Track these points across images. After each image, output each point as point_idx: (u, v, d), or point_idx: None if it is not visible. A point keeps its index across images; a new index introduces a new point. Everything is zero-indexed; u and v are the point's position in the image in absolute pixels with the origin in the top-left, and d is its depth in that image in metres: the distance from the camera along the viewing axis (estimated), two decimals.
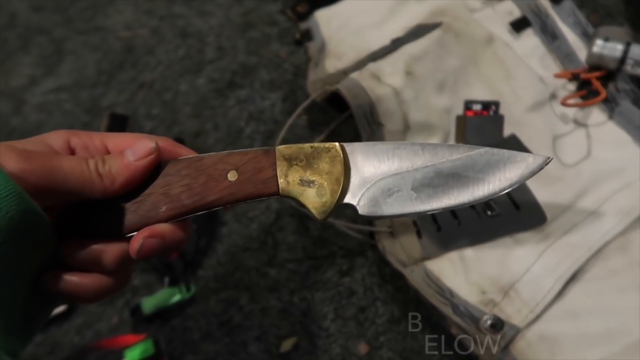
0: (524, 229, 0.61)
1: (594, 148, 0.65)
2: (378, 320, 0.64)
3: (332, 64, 0.77)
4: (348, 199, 0.37)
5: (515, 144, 0.65)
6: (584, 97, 0.67)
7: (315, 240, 0.69)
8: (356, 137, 0.67)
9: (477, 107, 0.67)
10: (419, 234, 0.62)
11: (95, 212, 0.35)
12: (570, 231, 0.60)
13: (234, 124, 0.79)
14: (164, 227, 0.35)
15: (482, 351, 0.56)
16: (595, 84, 0.66)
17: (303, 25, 0.85)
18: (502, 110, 0.67)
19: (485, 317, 0.56)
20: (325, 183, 0.36)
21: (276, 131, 0.78)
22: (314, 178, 0.36)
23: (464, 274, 0.60)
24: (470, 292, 0.59)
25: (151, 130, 0.81)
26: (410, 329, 0.63)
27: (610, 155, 0.64)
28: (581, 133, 0.67)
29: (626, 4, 0.77)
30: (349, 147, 0.37)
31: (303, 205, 0.36)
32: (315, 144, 0.36)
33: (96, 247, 0.34)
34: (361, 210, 0.37)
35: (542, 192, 0.62)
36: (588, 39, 0.72)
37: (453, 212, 0.62)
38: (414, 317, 0.63)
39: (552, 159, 0.38)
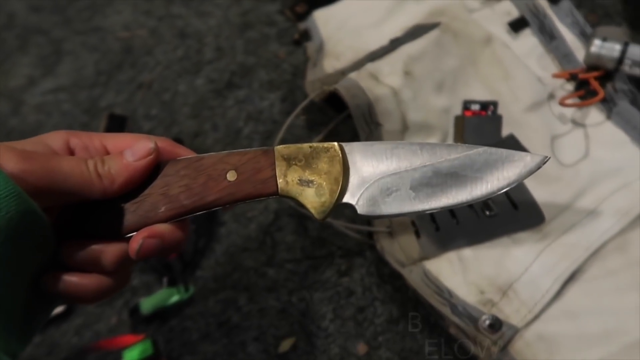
0: (522, 229, 0.61)
1: (592, 148, 0.65)
2: (377, 320, 0.64)
3: (330, 64, 0.77)
4: (347, 198, 0.37)
5: (513, 144, 0.65)
6: (582, 97, 0.67)
7: (313, 241, 0.69)
8: (354, 137, 0.67)
9: (475, 107, 0.67)
10: (417, 234, 0.62)
11: (95, 212, 0.35)
12: (569, 231, 0.60)
13: (232, 124, 0.79)
14: (163, 228, 0.35)
15: (480, 351, 0.56)
16: (593, 84, 0.66)
17: (301, 26, 0.85)
18: (501, 110, 0.67)
19: (483, 317, 0.56)
20: (324, 183, 0.36)
21: (275, 131, 0.78)
22: (313, 178, 0.36)
23: (463, 274, 0.60)
24: (469, 292, 0.59)
25: (150, 131, 0.81)
26: (409, 329, 0.63)
27: (609, 155, 0.64)
28: (579, 133, 0.67)
29: (624, 4, 0.77)
30: (348, 146, 0.37)
31: (302, 205, 0.36)
32: (314, 144, 0.37)
33: (96, 247, 0.34)
34: (360, 209, 0.37)
35: (540, 192, 0.62)
36: (586, 39, 0.72)
37: (451, 212, 0.62)
38: (413, 317, 0.63)
39: (549, 158, 0.38)
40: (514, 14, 0.75)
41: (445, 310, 0.57)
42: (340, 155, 0.36)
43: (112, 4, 0.95)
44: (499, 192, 0.37)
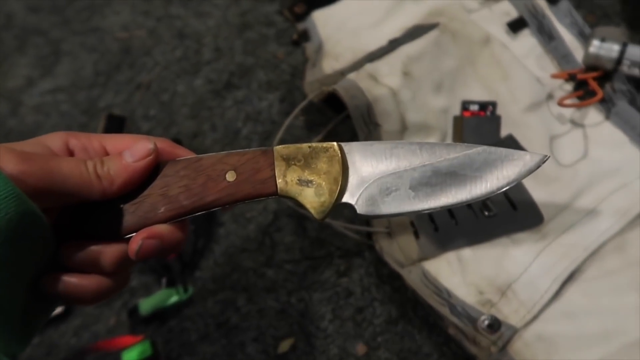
0: (521, 229, 0.61)
1: (590, 148, 0.65)
2: (376, 320, 0.64)
3: (329, 65, 0.77)
4: (346, 198, 0.37)
5: (512, 145, 0.65)
6: (580, 98, 0.67)
7: (312, 241, 0.69)
8: (353, 138, 0.67)
9: (474, 108, 0.67)
10: (416, 234, 0.62)
11: (94, 213, 0.35)
12: (568, 231, 0.60)
13: (231, 125, 0.79)
14: (162, 228, 0.35)
15: (479, 352, 0.56)
16: (591, 85, 0.66)
17: (300, 26, 0.85)
18: (499, 111, 0.67)
19: (482, 318, 0.56)
20: (324, 183, 0.36)
21: (274, 132, 0.78)
22: (312, 178, 0.36)
23: (462, 275, 0.60)
24: (468, 292, 0.59)
25: (148, 131, 0.81)
26: (407, 330, 0.63)
27: (607, 156, 0.64)
28: (578, 133, 0.67)
29: (623, 5, 0.77)
30: (347, 146, 0.37)
31: (301, 205, 0.36)
32: (313, 144, 0.37)
33: (95, 248, 0.34)
34: (359, 209, 0.37)
35: (539, 192, 0.62)
36: (585, 39, 0.72)
37: (450, 213, 0.62)
38: (412, 318, 0.63)
39: (549, 157, 0.38)
40: (513, 14, 0.75)
41: (444, 311, 0.58)
42: (340, 155, 0.36)
43: (110, 4, 0.95)
44: (499, 191, 0.37)
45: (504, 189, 0.37)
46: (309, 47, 0.82)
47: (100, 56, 0.90)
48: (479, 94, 0.70)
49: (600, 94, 0.65)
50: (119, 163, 0.34)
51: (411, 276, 0.60)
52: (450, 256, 0.61)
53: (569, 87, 0.70)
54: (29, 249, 0.31)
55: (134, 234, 0.35)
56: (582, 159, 0.65)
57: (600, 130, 0.66)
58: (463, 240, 0.61)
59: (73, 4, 0.96)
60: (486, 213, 0.61)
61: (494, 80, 0.70)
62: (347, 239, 0.68)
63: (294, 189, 0.36)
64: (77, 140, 0.36)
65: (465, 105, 0.68)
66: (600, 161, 0.64)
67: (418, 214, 0.63)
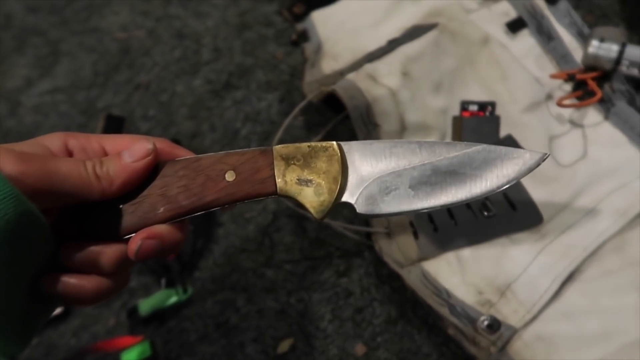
0: (520, 229, 0.61)
1: (589, 148, 0.65)
2: (375, 321, 0.64)
3: (328, 65, 0.77)
4: (346, 197, 0.37)
5: (511, 145, 0.65)
6: (579, 98, 0.67)
7: (312, 241, 0.69)
8: (352, 138, 0.67)
9: (473, 108, 0.67)
10: (415, 235, 0.62)
11: (93, 213, 0.35)
12: (567, 231, 0.60)
13: (230, 125, 0.79)
14: (162, 228, 0.35)
15: (479, 352, 0.56)
16: (590, 85, 0.66)
17: (299, 26, 0.85)
18: (498, 111, 0.67)
19: (482, 318, 0.56)
20: (323, 182, 0.36)
21: (273, 132, 0.78)
22: (312, 177, 0.36)
23: (461, 275, 0.60)
24: (467, 292, 0.59)
25: (147, 132, 0.81)
26: (407, 330, 0.63)
27: (606, 156, 0.64)
28: (577, 133, 0.67)
29: (621, 5, 0.77)
30: (346, 145, 0.37)
31: (301, 205, 0.36)
32: (313, 143, 0.37)
33: (94, 248, 0.34)
34: (359, 208, 0.37)
35: (538, 192, 0.62)
36: (584, 39, 0.72)
37: (450, 213, 0.62)
38: (411, 318, 0.63)
39: (549, 155, 0.38)
40: (512, 14, 0.75)
41: (444, 311, 0.58)
42: (339, 154, 0.36)
43: (109, 4, 0.95)
44: (499, 190, 0.37)
45: (504, 188, 0.37)
46: (308, 47, 0.82)
47: (99, 56, 0.90)
48: (478, 94, 0.70)
49: (599, 94, 0.65)
50: (118, 163, 0.34)
51: (410, 276, 0.60)
52: (450, 256, 0.61)
53: (568, 87, 0.70)
54: (28, 249, 0.31)
55: (133, 234, 0.34)
56: (581, 159, 0.65)
57: (599, 131, 0.66)
58: (462, 240, 0.61)
59: (72, 4, 0.96)
60: (485, 213, 0.62)
61: (493, 81, 0.70)
62: (347, 239, 0.68)
63: (293, 189, 0.36)
64: (76, 141, 0.36)
65: (464, 105, 0.68)
66: (599, 161, 0.64)
67: (417, 214, 0.63)
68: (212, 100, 0.82)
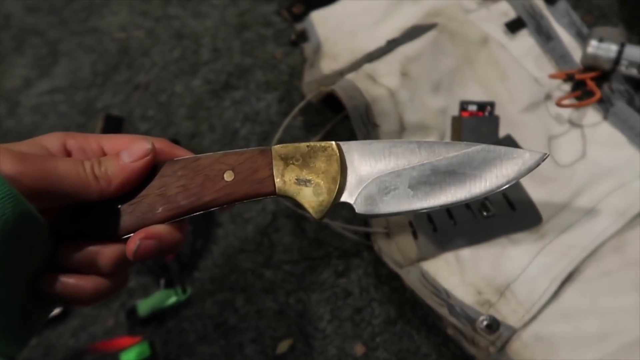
0: (519, 230, 0.61)
1: (588, 148, 0.66)
2: (374, 321, 0.64)
3: (327, 65, 0.77)
4: (345, 197, 0.37)
5: (510, 145, 0.65)
6: (578, 98, 0.67)
7: (311, 242, 0.69)
8: (352, 138, 0.67)
9: (472, 108, 0.67)
10: (415, 235, 0.62)
11: (92, 214, 0.35)
12: (566, 231, 0.60)
13: (229, 126, 0.79)
14: (160, 228, 0.35)
15: (478, 352, 0.56)
16: (589, 85, 0.66)
17: (298, 26, 0.85)
18: (498, 111, 0.67)
19: (481, 318, 0.56)
20: (322, 182, 0.36)
21: (272, 132, 0.78)
22: (311, 177, 0.36)
23: (460, 275, 0.60)
24: (466, 292, 0.59)
25: (146, 132, 0.81)
26: (406, 330, 0.63)
27: (605, 156, 0.64)
28: (576, 133, 0.67)
29: (620, 5, 0.77)
30: (345, 145, 0.37)
31: (300, 205, 0.36)
32: (312, 143, 0.37)
33: (92, 248, 0.34)
34: (358, 208, 0.37)
35: (537, 193, 0.62)
36: (583, 39, 0.72)
37: (449, 213, 0.62)
38: (410, 318, 0.63)
39: (548, 155, 0.38)
40: (511, 14, 0.75)
41: (443, 311, 0.58)
42: (338, 154, 0.36)
43: (108, 5, 0.95)
44: (498, 190, 0.37)
45: (504, 188, 0.37)
46: (307, 47, 0.82)
47: (98, 57, 0.90)
48: (477, 94, 0.70)
49: (598, 94, 0.65)
50: (116, 163, 0.34)
51: (410, 276, 0.60)
52: (449, 256, 0.61)
53: (567, 87, 0.70)
54: (26, 249, 0.31)
55: (131, 234, 0.34)
56: (581, 159, 0.65)
57: (598, 131, 0.66)
58: (462, 240, 0.61)
59: (71, 4, 0.96)
60: (485, 213, 0.61)
61: (492, 81, 0.70)
62: (346, 239, 0.68)
63: (292, 189, 0.36)
64: (74, 141, 0.36)
65: (463, 105, 0.68)
66: (598, 161, 0.64)
67: (417, 214, 0.63)
68: (211, 100, 0.82)
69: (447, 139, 0.69)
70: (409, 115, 0.67)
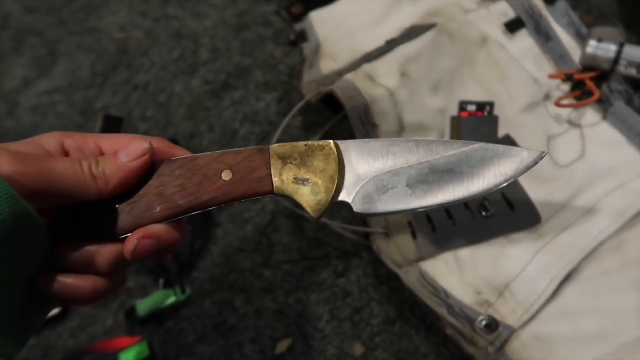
0: (518, 229, 0.61)
1: (587, 148, 0.66)
2: (373, 321, 0.64)
3: (326, 65, 0.77)
4: (342, 196, 0.37)
5: (509, 145, 0.65)
6: (577, 98, 0.67)
7: (310, 241, 0.69)
8: (351, 138, 0.67)
9: (471, 108, 0.67)
10: (413, 235, 0.62)
11: (89, 213, 0.35)
12: (565, 231, 0.60)
13: (228, 126, 0.79)
14: (158, 228, 0.35)
15: (477, 352, 0.56)
16: (588, 85, 0.66)
17: (297, 26, 0.85)
18: (497, 111, 0.67)
19: (480, 318, 0.56)
20: (320, 181, 0.36)
21: (271, 132, 0.78)
22: (308, 176, 0.36)
23: (459, 275, 0.60)
24: (465, 292, 0.59)
25: (145, 132, 0.81)
26: (405, 330, 0.63)
27: (604, 156, 0.64)
28: (575, 133, 0.67)
29: (619, 5, 0.77)
30: (343, 144, 0.37)
31: (298, 204, 0.36)
32: (309, 142, 0.36)
33: (90, 248, 0.34)
34: (356, 207, 0.37)
35: (536, 192, 0.62)
36: (582, 39, 0.72)
37: (448, 213, 0.62)
38: (409, 318, 0.63)
39: (546, 153, 0.38)
40: (510, 14, 0.75)
41: (442, 311, 0.57)
42: (336, 152, 0.36)
43: (107, 4, 0.95)
44: (496, 188, 0.37)
45: (502, 186, 0.37)
46: (307, 47, 0.82)
47: (97, 57, 0.90)
48: (476, 94, 0.70)
49: (597, 94, 0.65)
50: (114, 163, 0.34)
51: (409, 276, 0.60)
52: (448, 256, 0.61)
53: (566, 87, 0.70)
54: (24, 249, 0.31)
55: (129, 234, 0.34)
56: (579, 159, 0.65)
57: (597, 130, 0.66)
58: (460, 240, 0.61)
59: (70, 4, 0.96)
60: (483, 213, 0.61)
61: (491, 81, 0.70)
62: (345, 239, 0.68)
63: (290, 188, 0.36)
64: (72, 140, 0.36)
65: (462, 105, 0.68)
66: (597, 161, 0.64)
67: (415, 213, 0.63)
68: (210, 100, 0.82)
69: (446, 138, 0.69)
70: (408, 115, 0.67)
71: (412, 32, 0.72)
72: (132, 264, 0.36)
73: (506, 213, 0.61)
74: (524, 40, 0.73)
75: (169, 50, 0.88)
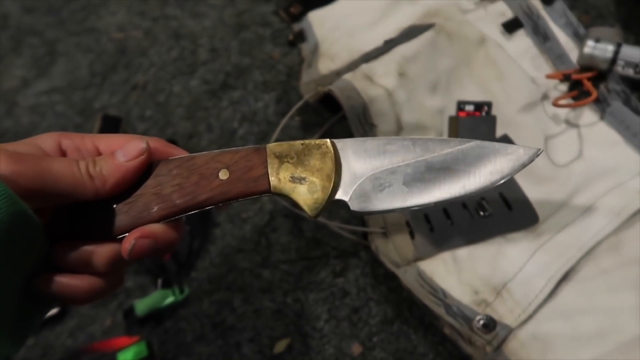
0: (516, 229, 0.61)
1: (585, 148, 0.66)
2: (371, 320, 0.64)
3: (325, 65, 0.77)
4: (339, 195, 0.37)
5: None
6: (575, 98, 0.67)
7: (308, 241, 0.69)
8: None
9: (469, 108, 0.67)
10: (412, 235, 0.63)
11: (87, 213, 0.35)
12: (562, 231, 0.60)
13: (227, 126, 0.79)
14: (156, 228, 0.35)
15: (474, 351, 0.56)
16: (586, 85, 0.66)
17: (296, 27, 0.85)
18: (495, 111, 0.67)
19: (477, 317, 0.56)
20: (317, 179, 0.36)
21: (269, 132, 0.78)
22: (305, 175, 0.36)
23: (457, 274, 0.60)
24: (463, 292, 0.59)
25: (144, 132, 0.81)
26: (403, 329, 0.63)
27: (602, 156, 0.64)
28: (573, 133, 0.67)
29: (617, 5, 0.77)
30: (340, 143, 0.37)
31: (295, 203, 0.36)
32: (306, 141, 0.37)
33: (87, 248, 0.34)
34: (352, 205, 0.37)
35: (534, 192, 0.62)
36: (579, 39, 0.72)
37: (446, 213, 0.62)
38: (408, 318, 0.63)
39: (542, 150, 0.38)
40: (508, 15, 0.75)
41: (440, 311, 0.58)
42: (333, 151, 0.36)
43: (106, 5, 0.95)
44: (493, 186, 0.37)
45: (498, 183, 0.37)
46: (305, 47, 0.82)
47: (96, 57, 0.90)
48: (474, 94, 0.70)
49: (594, 94, 0.65)
50: (111, 163, 0.34)
51: (407, 276, 0.60)
52: (446, 256, 0.61)
53: (563, 87, 0.70)
54: (21, 249, 0.31)
55: (127, 233, 0.34)
56: (577, 158, 0.65)
57: (594, 130, 0.67)
58: (458, 240, 0.61)
59: (69, 4, 0.96)
60: (481, 213, 0.62)
61: (489, 81, 0.70)
62: (343, 239, 0.68)
63: (287, 187, 0.36)
64: (69, 141, 0.36)
65: (460, 105, 0.68)
66: (595, 161, 0.64)
67: (413, 212, 0.63)
68: (209, 100, 0.82)
69: None
70: (407, 115, 0.67)
71: (410, 33, 0.72)
72: (130, 264, 0.36)
73: (504, 213, 0.62)
74: (522, 40, 0.74)
75: (168, 50, 0.88)
